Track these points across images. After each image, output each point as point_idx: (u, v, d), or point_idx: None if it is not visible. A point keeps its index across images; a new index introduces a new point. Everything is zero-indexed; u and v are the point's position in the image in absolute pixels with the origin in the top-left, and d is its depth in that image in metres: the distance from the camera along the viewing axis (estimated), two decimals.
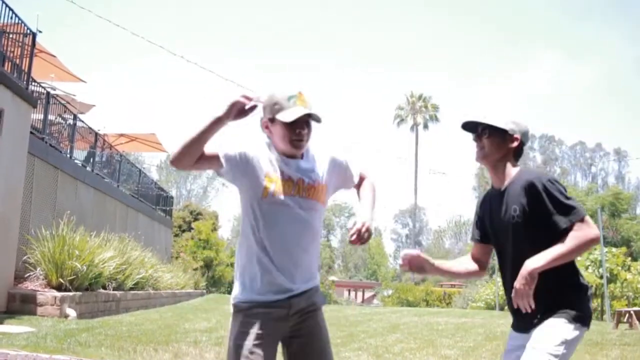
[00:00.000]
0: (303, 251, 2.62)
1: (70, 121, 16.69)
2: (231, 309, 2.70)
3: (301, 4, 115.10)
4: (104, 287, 12.92)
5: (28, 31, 12.46)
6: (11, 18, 11.65)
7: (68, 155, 15.98)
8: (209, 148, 2.60)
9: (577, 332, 2.77)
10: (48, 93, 14.87)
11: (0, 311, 10.36)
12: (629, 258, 26.60)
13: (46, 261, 11.30)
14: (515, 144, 2.95)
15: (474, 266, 3.24)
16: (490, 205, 3.05)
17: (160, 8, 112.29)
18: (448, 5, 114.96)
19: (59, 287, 11.20)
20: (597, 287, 24.35)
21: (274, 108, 2.58)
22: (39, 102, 13.42)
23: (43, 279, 11.40)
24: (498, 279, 21.74)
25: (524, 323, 2.85)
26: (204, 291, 26.85)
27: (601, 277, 23.55)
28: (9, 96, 10.87)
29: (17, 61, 12.20)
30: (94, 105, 22.35)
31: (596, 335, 12.06)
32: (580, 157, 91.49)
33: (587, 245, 2.72)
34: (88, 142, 18.35)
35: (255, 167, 2.60)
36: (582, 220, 2.71)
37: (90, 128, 18.25)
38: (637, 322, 15.55)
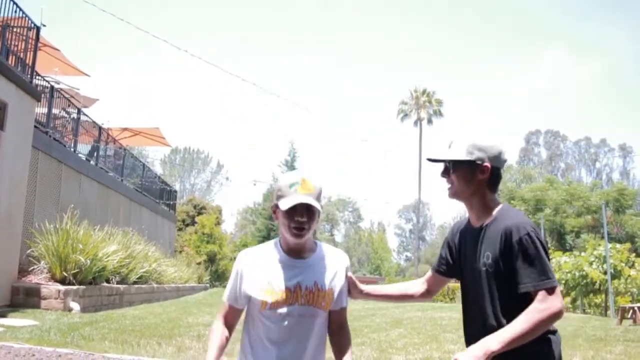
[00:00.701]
0: (302, 353, 2.61)
1: (74, 115, 16.70)
2: None
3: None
4: (108, 281, 12.93)
5: (32, 25, 12.44)
6: (15, 12, 11.64)
7: (72, 149, 15.99)
8: (226, 312, 2.69)
9: None
10: (52, 87, 14.87)
11: (5, 304, 10.38)
12: (633, 254, 26.55)
13: (50, 255, 11.32)
14: (486, 174, 2.56)
15: (418, 290, 2.95)
16: (465, 243, 2.71)
17: (164, 2, 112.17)
18: (452, 1, 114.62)
19: (63, 281, 11.22)
20: (602, 282, 24.32)
21: (277, 195, 2.59)
22: (42, 95, 13.42)
23: (47, 273, 11.43)
24: None
25: None
26: (208, 285, 26.92)
27: (605, 273, 23.53)
28: (13, 90, 10.87)
29: (21, 55, 12.20)
30: (97, 99, 22.36)
31: (600, 331, 12.06)
32: (585, 153, 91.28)
33: (550, 321, 2.35)
34: (92, 136, 18.36)
35: (252, 288, 2.60)
36: (549, 290, 2.35)
37: (94, 122, 18.25)
38: None
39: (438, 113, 61.25)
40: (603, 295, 25.17)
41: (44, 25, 13.25)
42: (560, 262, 27.13)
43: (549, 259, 2.46)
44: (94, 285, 12.09)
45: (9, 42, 11.64)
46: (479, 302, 2.55)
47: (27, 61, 12.36)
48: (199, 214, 37.74)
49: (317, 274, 2.64)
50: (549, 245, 39.24)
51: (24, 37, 12.32)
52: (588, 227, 44.22)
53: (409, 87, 68.77)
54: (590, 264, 25.22)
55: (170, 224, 27.93)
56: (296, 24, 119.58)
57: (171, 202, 28.81)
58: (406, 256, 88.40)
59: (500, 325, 2.44)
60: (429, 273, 2.94)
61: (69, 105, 16.27)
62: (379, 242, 78.53)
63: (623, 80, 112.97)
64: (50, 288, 10.79)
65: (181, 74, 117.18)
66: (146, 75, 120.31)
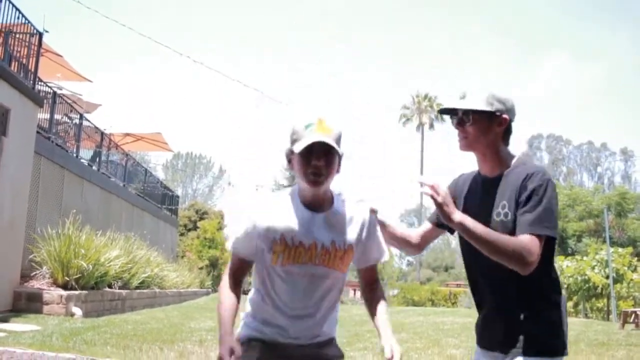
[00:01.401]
0: (314, 314, 2.46)
1: (77, 120, 16.73)
2: None
3: (306, 3, 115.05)
4: (110, 286, 12.94)
5: (35, 31, 12.48)
6: (18, 18, 11.67)
7: (74, 155, 16.02)
8: (235, 264, 2.50)
9: None
10: (54, 92, 14.90)
11: (7, 309, 10.38)
12: (636, 258, 26.49)
13: (52, 260, 11.33)
14: (504, 125, 2.52)
15: (414, 241, 2.83)
16: (477, 193, 2.60)
17: (166, 8, 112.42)
18: (454, 6, 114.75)
19: (65, 286, 11.23)
20: (604, 287, 24.27)
21: (292, 139, 2.33)
22: (45, 101, 13.45)
23: (49, 278, 11.44)
24: None
25: (492, 340, 2.54)
26: (210, 290, 26.89)
27: (607, 277, 23.48)
28: (16, 96, 10.90)
29: (24, 61, 12.24)
30: (100, 105, 22.39)
31: (602, 336, 12.04)
32: (586, 157, 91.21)
33: (516, 259, 2.28)
34: (94, 141, 18.39)
35: (265, 241, 2.39)
36: (539, 238, 2.30)
37: (96, 127, 18.28)
38: None
39: (440, 118, 61.22)
40: (605, 300, 25.12)
41: (47, 31, 13.28)
42: (563, 267, 27.08)
43: (556, 212, 2.42)
44: (96, 290, 12.10)
45: (11, 48, 11.68)
46: (485, 257, 2.40)
47: (30, 67, 12.39)
48: (201, 219, 37.75)
49: (335, 231, 2.41)
50: None
51: (27, 43, 12.36)
52: (590, 231, 44.17)
53: (411, 92, 68.65)
54: (593, 268, 25.17)
55: (172, 229, 27.94)
56: (298, 29, 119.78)
57: (173, 207, 28.82)
58: (408, 261, 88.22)
59: (506, 270, 2.37)
60: (425, 225, 2.84)
61: (71, 111, 16.31)
62: None
63: (624, 84, 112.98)
64: (53, 293, 10.80)
65: (183, 80, 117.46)
66: (148, 81, 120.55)
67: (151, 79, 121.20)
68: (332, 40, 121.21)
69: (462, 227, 2.33)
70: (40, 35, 12.69)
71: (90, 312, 11.35)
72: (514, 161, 2.53)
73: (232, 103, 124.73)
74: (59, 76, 17.69)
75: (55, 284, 11.32)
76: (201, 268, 29.80)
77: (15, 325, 8.81)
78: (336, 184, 2.52)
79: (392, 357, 2.32)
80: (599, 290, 24.70)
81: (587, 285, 24.90)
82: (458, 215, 2.33)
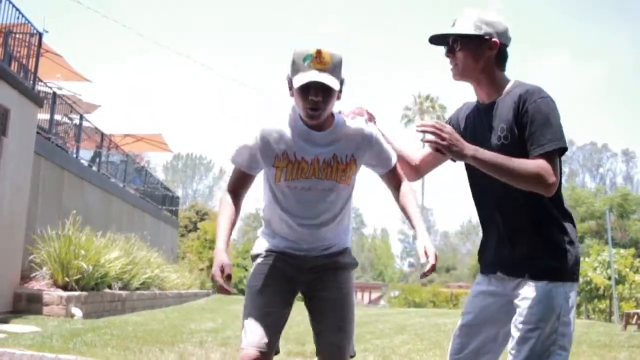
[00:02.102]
0: (321, 227, 2.50)
1: (77, 121, 16.70)
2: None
3: (307, 2, 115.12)
4: (110, 287, 12.91)
5: (34, 31, 12.45)
6: (18, 18, 11.64)
7: (74, 155, 15.99)
8: (237, 177, 2.55)
9: (572, 295, 2.40)
10: (54, 93, 14.87)
11: (7, 311, 10.35)
12: (638, 259, 26.49)
13: (52, 261, 11.29)
14: (495, 49, 2.45)
15: (413, 162, 2.79)
16: (475, 122, 2.56)
17: (166, 9, 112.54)
18: (454, 6, 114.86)
19: (65, 287, 11.19)
20: (606, 288, 24.25)
21: (292, 69, 2.37)
22: (45, 102, 13.42)
23: (49, 279, 11.39)
24: None
25: (500, 263, 2.47)
26: (210, 291, 26.87)
27: (609, 279, 23.46)
28: (16, 96, 10.86)
29: (24, 61, 12.21)
30: (99, 106, 22.38)
31: (604, 337, 12.00)
32: (589, 158, 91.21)
33: (539, 183, 2.26)
34: (94, 142, 18.37)
35: (267, 155, 2.45)
36: (552, 156, 2.29)
37: (96, 128, 18.26)
38: None
39: (442, 119, 61.27)
40: (607, 301, 25.10)
41: (47, 32, 13.28)
42: None
43: (561, 125, 2.40)
44: (96, 292, 12.06)
45: (11, 48, 11.65)
46: (493, 182, 2.39)
47: (30, 67, 12.36)
48: (202, 220, 37.73)
49: (336, 145, 2.47)
50: None
51: (27, 44, 12.33)
52: (592, 232, 44.16)
53: (413, 92, 68.68)
54: (595, 269, 25.17)
55: (172, 230, 27.91)
56: (299, 29, 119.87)
57: (173, 208, 28.79)
58: (409, 262, 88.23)
59: (518, 201, 2.39)
60: (426, 149, 2.76)
61: (71, 111, 16.27)
62: (382, 248, 78.48)
63: (625, 84, 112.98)
64: (53, 294, 10.76)
65: (183, 80, 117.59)
66: (148, 81, 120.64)
67: (151, 80, 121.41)
68: (332, 40, 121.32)
69: (478, 160, 2.30)
70: (40, 35, 12.65)
71: (90, 313, 11.31)
72: (508, 85, 2.48)
73: (232, 103, 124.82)
74: (59, 76, 17.68)
75: (55, 285, 11.28)
76: (202, 269, 29.76)
77: (15, 327, 8.77)
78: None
79: (428, 258, 2.40)
80: (601, 291, 24.69)
81: (589, 287, 24.88)
82: (470, 150, 2.29)
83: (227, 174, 2.60)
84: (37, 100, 12.01)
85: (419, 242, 2.49)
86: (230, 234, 2.52)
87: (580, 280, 25.19)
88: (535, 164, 2.27)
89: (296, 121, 2.47)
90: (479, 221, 2.67)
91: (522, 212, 2.41)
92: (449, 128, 2.31)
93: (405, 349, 9.23)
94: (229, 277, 2.36)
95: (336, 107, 2.56)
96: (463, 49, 2.47)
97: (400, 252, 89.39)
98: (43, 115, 13.57)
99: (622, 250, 26.44)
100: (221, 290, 2.38)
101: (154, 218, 23.77)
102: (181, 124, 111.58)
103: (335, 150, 2.46)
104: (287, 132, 2.46)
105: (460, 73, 2.50)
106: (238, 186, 2.55)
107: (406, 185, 2.65)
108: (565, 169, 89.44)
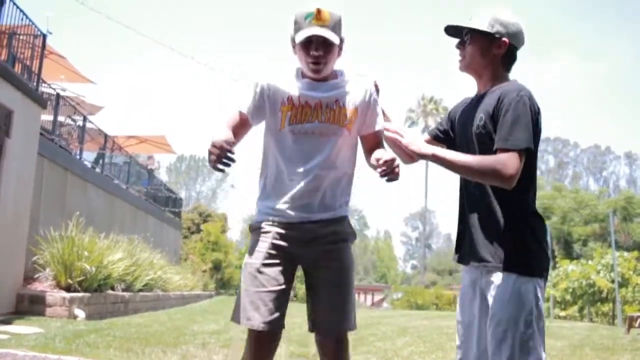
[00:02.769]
0: (321, 179, 2.51)
1: (80, 122, 16.73)
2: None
3: (308, 1, 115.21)
4: (113, 289, 12.92)
5: (38, 32, 12.48)
6: (22, 20, 11.67)
7: (77, 157, 16.02)
8: (236, 116, 2.59)
9: (540, 291, 2.45)
10: (58, 94, 14.90)
11: (9, 312, 10.37)
12: None
13: (55, 262, 11.31)
14: (503, 49, 2.54)
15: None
16: (465, 109, 2.70)
17: (170, 10, 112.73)
18: (458, 7, 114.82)
19: (68, 288, 11.20)
20: (609, 291, 24.17)
21: (294, 28, 2.48)
22: (48, 103, 13.44)
23: (52, 280, 11.41)
24: None
25: (469, 254, 2.57)
26: (213, 293, 26.90)
27: (613, 282, 23.37)
28: (19, 97, 10.89)
29: (27, 62, 12.22)
30: (103, 107, 22.41)
31: (607, 340, 11.97)
32: (592, 161, 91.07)
33: (494, 175, 2.33)
34: (97, 143, 18.39)
35: (272, 101, 2.53)
36: (513, 151, 2.33)
37: (99, 129, 18.28)
38: None
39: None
40: (610, 304, 25.02)
41: (50, 33, 13.29)
42: (568, 271, 27.00)
43: (535, 127, 2.43)
44: (99, 293, 12.07)
45: (15, 49, 11.67)
46: (469, 183, 2.57)
47: (33, 69, 12.38)
48: (205, 221, 37.76)
49: (338, 93, 2.56)
50: (556, 253, 39.13)
51: (30, 45, 12.35)
52: (595, 235, 44.08)
53: (416, 94, 68.74)
54: (598, 272, 25.10)
55: (175, 232, 27.93)
56: None
57: (177, 210, 28.81)
58: (412, 264, 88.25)
59: (492, 203, 2.48)
60: (425, 137, 2.89)
61: (74, 113, 16.30)
62: (384, 251, 78.40)
63: (628, 86, 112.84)
64: (55, 295, 10.77)
65: (187, 81, 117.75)
66: (152, 83, 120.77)
67: (154, 81, 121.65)
68: None
69: (435, 158, 2.45)
70: (44, 36, 12.68)
71: (93, 315, 11.32)
72: (502, 83, 2.55)
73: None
74: (63, 78, 17.70)
75: (59, 286, 11.29)
76: (204, 271, 29.79)
77: (18, 328, 8.78)
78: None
79: (379, 160, 2.41)
80: (604, 294, 24.62)
81: (592, 290, 24.82)
82: (427, 149, 2.46)
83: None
84: (40, 101, 12.03)
85: (379, 154, 2.50)
86: (229, 130, 2.53)
87: (583, 283, 25.20)
88: (492, 159, 2.36)
89: (300, 73, 2.58)
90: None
91: (495, 210, 2.48)
92: (408, 132, 2.53)
93: (408, 351, 9.21)
94: (227, 152, 2.38)
95: (339, 65, 2.67)
96: (473, 43, 2.56)
97: (403, 254, 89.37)
98: (46, 117, 13.59)
99: (625, 253, 26.35)
100: (218, 159, 2.38)
101: (157, 220, 23.79)
102: (185, 126, 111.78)
103: (338, 97, 2.55)
104: (292, 80, 2.56)
105: (466, 66, 2.62)
106: (235, 127, 2.58)
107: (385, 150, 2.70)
108: (569, 172, 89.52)
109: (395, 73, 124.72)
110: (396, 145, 2.68)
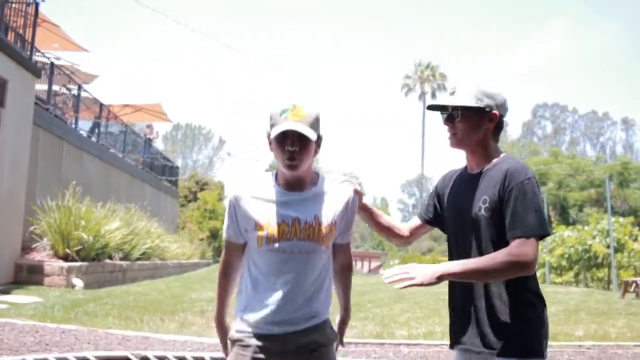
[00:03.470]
0: (301, 294, 2.47)
1: (75, 91, 16.61)
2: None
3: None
4: (111, 258, 12.96)
5: (31, 0, 12.32)
6: None
7: (73, 126, 15.94)
8: (229, 252, 2.58)
9: None
10: (52, 63, 14.76)
11: (8, 282, 10.41)
12: (637, 228, 26.57)
13: (52, 232, 11.32)
14: (494, 122, 2.48)
15: (402, 233, 2.85)
16: (460, 188, 2.59)
17: None
18: None
19: (66, 258, 11.23)
20: (604, 256, 24.36)
21: (270, 124, 2.41)
22: (43, 72, 13.33)
23: (50, 250, 11.43)
24: None
25: (467, 336, 2.49)
26: (210, 261, 27.00)
27: (608, 247, 23.56)
28: (13, 67, 10.79)
29: (20, 31, 12.08)
30: (97, 76, 22.24)
31: (603, 305, 12.09)
32: (589, 127, 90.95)
33: (516, 268, 2.27)
34: (93, 112, 18.27)
35: (248, 222, 2.46)
36: (527, 237, 2.27)
37: (95, 98, 18.16)
38: None
39: (442, 87, 61.00)
40: (606, 269, 25.23)
41: (43, 1, 13.12)
42: (564, 236, 27.13)
43: (543, 209, 2.39)
44: (97, 262, 12.11)
45: (7, 18, 11.52)
46: (467, 251, 2.46)
47: (27, 37, 12.24)
48: (201, 190, 37.75)
49: (317, 207, 2.46)
50: (552, 219, 39.28)
51: (23, 13, 12.20)
52: (591, 200, 44.21)
53: (413, 60, 68.28)
54: (594, 237, 25.26)
55: (172, 200, 27.94)
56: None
57: (173, 179, 28.79)
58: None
59: (490, 282, 2.41)
60: (415, 221, 2.84)
61: (69, 82, 16.17)
62: None
63: (626, 52, 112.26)
64: (53, 265, 10.81)
65: (182, 49, 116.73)
66: (147, 51, 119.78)
67: (149, 49, 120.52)
68: (331, 5, 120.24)
69: (451, 274, 2.34)
70: (37, 4, 12.53)
71: (91, 284, 11.37)
72: (498, 158, 2.50)
73: (233, 73, 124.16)
74: (56, 46, 17.52)
75: (56, 255, 11.32)
76: (202, 239, 29.86)
77: (17, 297, 8.84)
78: (336, 160, 2.53)
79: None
80: (599, 259, 24.80)
81: (587, 255, 24.99)
82: (441, 268, 2.34)
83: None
84: (34, 70, 11.93)
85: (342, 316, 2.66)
86: (228, 307, 2.66)
87: (579, 248, 25.36)
88: (503, 254, 2.28)
89: (275, 185, 2.49)
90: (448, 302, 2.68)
91: (494, 291, 2.41)
92: (412, 267, 2.38)
93: (405, 317, 9.30)
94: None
95: (327, 167, 2.59)
96: (463, 120, 2.48)
97: (400, 220, 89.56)
98: (41, 86, 13.48)
99: (621, 219, 26.49)
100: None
101: (153, 188, 23.79)
102: (180, 94, 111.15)
103: (316, 212, 2.47)
104: (266, 195, 2.47)
105: (459, 142, 2.52)
106: (233, 259, 2.58)
107: (351, 266, 2.70)
108: (566, 138, 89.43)
109: (391, 39, 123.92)
110: (376, 225, 2.80)
